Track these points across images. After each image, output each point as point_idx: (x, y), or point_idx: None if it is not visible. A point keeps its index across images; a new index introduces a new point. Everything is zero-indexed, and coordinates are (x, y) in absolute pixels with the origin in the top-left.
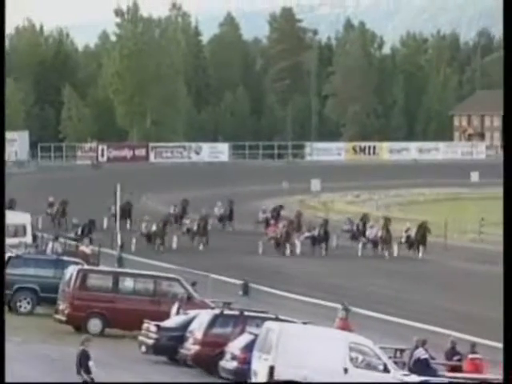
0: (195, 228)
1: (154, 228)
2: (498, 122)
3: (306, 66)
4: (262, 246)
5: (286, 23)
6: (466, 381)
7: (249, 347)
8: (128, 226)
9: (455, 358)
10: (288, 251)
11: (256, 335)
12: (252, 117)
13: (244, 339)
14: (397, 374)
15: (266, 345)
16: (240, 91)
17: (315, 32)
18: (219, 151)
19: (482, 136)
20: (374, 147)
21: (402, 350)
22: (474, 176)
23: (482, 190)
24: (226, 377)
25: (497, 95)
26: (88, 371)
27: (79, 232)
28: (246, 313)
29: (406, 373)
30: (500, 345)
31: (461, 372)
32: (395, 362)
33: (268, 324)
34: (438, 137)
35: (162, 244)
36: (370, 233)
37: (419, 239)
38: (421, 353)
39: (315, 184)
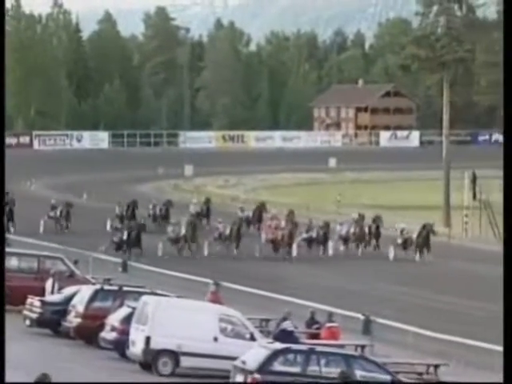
0: (228, 232)
1: (183, 231)
2: (352, 113)
3: (180, 61)
4: (258, 250)
5: (160, 21)
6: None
7: (127, 319)
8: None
9: (314, 326)
10: (293, 254)
11: (134, 308)
12: (130, 107)
13: (123, 312)
14: (262, 342)
15: (143, 317)
16: (117, 84)
17: (187, 30)
18: (100, 139)
19: (338, 126)
20: (242, 136)
21: (267, 320)
22: (332, 162)
23: (339, 174)
24: (105, 346)
25: (351, 89)
26: None
27: None
28: (125, 288)
29: (271, 341)
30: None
31: (319, 339)
32: (261, 332)
33: (145, 298)
34: (300, 126)
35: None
36: (340, 229)
37: (422, 241)
38: (288, 324)
39: (188, 169)
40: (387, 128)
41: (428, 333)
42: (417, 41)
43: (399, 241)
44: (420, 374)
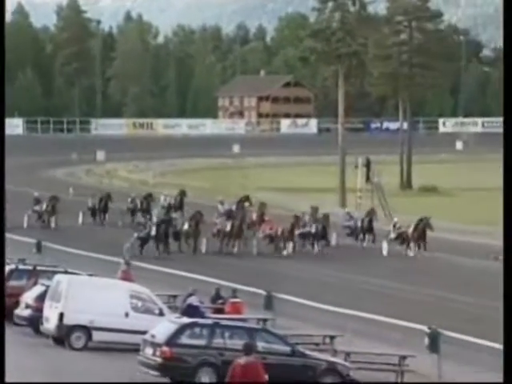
0: (228, 229)
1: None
2: (254, 102)
3: (91, 52)
4: (256, 246)
5: (71, 13)
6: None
7: (41, 297)
8: None
9: (219, 301)
10: (287, 251)
11: (47, 286)
12: (44, 96)
13: (37, 290)
14: (170, 317)
15: (56, 294)
16: (29, 73)
17: (98, 22)
18: (15, 125)
19: (241, 114)
20: (151, 123)
21: (174, 296)
22: (236, 148)
23: (242, 159)
24: (20, 323)
25: (253, 79)
26: None
27: None
28: (39, 267)
29: (178, 316)
30: None
31: (224, 313)
32: (169, 307)
33: (58, 276)
34: (205, 114)
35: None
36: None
37: (418, 235)
38: (193, 299)
39: (100, 155)
40: (287, 116)
41: (323, 306)
42: (314, 35)
43: (392, 235)
44: (317, 344)
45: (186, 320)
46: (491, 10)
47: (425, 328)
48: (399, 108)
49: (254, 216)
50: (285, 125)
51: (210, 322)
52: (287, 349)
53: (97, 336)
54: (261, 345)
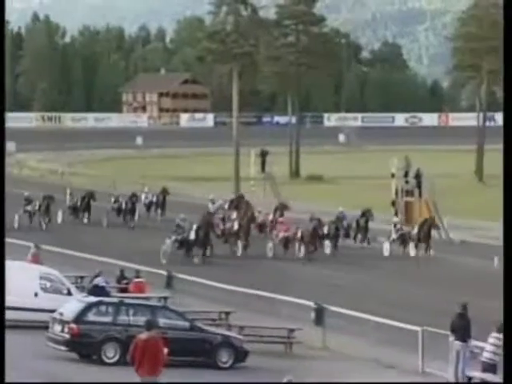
0: (235, 228)
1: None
2: (155, 97)
3: None
4: (272, 249)
5: None
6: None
7: None
8: None
9: (124, 281)
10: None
11: None
12: None
13: None
14: (78, 296)
15: None
16: None
17: (7, 22)
18: None
19: (144, 108)
20: (59, 117)
21: (81, 277)
22: (139, 140)
23: (145, 150)
24: None
25: (154, 77)
26: None
27: None
28: None
29: (85, 295)
30: None
31: (128, 292)
32: (77, 287)
33: None
34: (110, 109)
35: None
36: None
37: (423, 236)
38: (99, 280)
39: (11, 146)
40: (186, 111)
41: (220, 285)
42: (210, 36)
43: (394, 236)
44: (214, 320)
45: (92, 299)
46: (369, 15)
47: (311, 304)
48: (288, 104)
49: (271, 216)
50: (184, 119)
51: (115, 300)
52: (186, 324)
53: (8, 315)
54: (162, 321)
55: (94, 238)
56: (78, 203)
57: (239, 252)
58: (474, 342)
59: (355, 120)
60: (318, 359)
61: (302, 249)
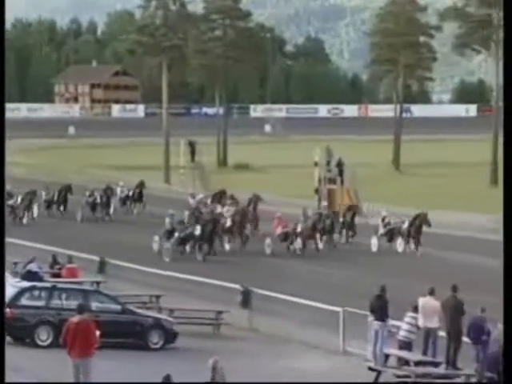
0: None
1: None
2: (87, 89)
3: None
4: (271, 246)
5: None
6: (66, 284)
7: None
8: None
9: (57, 267)
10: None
11: None
12: None
13: None
14: (11, 281)
15: None
16: None
17: None
18: None
19: (76, 99)
20: None
21: (15, 263)
22: (71, 130)
23: (77, 140)
24: None
25: (86, 68)
26: None
27: None
28: None
29: (19, 280)
30: None
31: (61, 277)
32: (11, 273)
33: None
34: (43, 99)
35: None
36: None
37: (415, 231)
38: (33, 266)
39: None
40: (117, 102)
41: (148, 269)
42: (139, 30)
43: (381, 231)
44: (144, 303)
45: (25, 284)
46: (292, 11)
47: (238, 286)
48: (216, 95)
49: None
50: (115, 109)
51: (48, 285)
52: (118, 307)
53: None
54: (94, 304)
55: (71, 233)
56: (55, 198)
57: (237, 248)
58: (391, 322)
59: (280, 111)
60: (245, 340)
61: (299, 242)
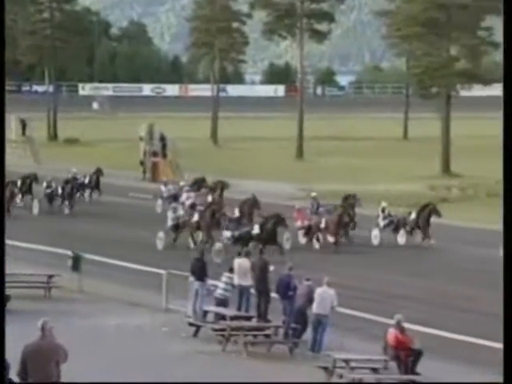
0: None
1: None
2: None
3: None
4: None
5: None
6: None
7: None
8: None
9: None
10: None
11: None
12: None
13: None
14: None
15: None
16: None
17: None
18: None
19: None
20: None
21: None
22: None
23: None
24: None
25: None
26: None
27: None
28: None
29: None
30: None
31: None
32: None
33: None
34: None
35: None
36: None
37: (423, 223)
38: None
39: None
40: None
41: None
42: None
43: (382, 223)
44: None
45: None
46: None
47: (69, 252)
48: (45, 74)
49: (210, 198)
50: None
51: None
52: None
53: None
54: None
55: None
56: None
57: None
58: (210, 281)
59: (107, 90)
60: (75, 302)
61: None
